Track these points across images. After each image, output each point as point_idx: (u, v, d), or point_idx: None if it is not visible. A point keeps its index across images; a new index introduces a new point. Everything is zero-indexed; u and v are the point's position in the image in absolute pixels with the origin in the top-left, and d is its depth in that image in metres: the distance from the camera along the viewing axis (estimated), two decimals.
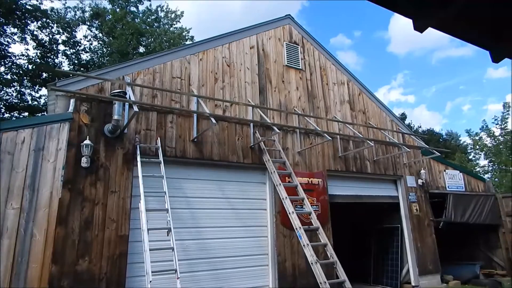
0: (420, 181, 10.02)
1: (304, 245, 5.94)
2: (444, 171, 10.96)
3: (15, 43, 17.98)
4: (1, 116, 17.95)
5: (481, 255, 10.97)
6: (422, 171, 10.11)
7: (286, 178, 7.24)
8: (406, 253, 9.28)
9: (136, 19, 22.85)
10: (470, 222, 10.26)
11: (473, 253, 11.05)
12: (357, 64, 70.04)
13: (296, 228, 6.18)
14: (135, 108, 5.33)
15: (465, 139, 33.27)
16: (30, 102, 19.06)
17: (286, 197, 6.49)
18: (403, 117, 33.92)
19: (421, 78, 71.64)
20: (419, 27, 1.87)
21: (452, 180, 10.90)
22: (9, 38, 17.62)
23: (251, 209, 7.20)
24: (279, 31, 9.09)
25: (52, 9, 19.19)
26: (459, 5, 1.65)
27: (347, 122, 9.19)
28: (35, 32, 18.54)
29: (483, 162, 28.15)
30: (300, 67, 9.06)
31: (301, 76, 9.03)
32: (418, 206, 9.75)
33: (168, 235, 5.08)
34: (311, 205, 6.95)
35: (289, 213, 6.37)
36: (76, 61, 20.65)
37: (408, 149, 9.61)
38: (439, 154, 10.01)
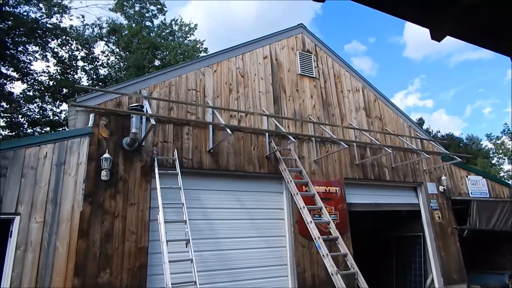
0: (441, 188, 9.75)
1: (323, 255, 5.85)
2: (466, 177, 10.64)
3: (36, 61, 18.69)
4: (24, 131, 18.58)
5: (508, 264, 10.52)
6: (443, 178, 9.83)
7: (303, 187, 7.17)
8: (429, 262, 8.99)
9: (151, 34, 23.39)
10: (496, 230, 9.88)
11: (499, 262, 10.60)
12: (372, 70, 69.62)
13: (315, 238, 6.09)
14: (152, 121, 5.43)
15: (487, 143, 32.33)
16: (51, 117, 19.65)
17: (303, 207, 6.42)
18: (420, 122, 33.27)
19: (438, 82, 70.49)
20: (436, 37, 1.84)
21: (475, 186, 10.56)
22: (31, 56, 18.33)
23: (268, 219, 7.15)
24: (292, 40, 9.13)
25: (71, 26, 19.87)
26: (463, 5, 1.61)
27: (363, 129, 9.08)
28: (55, 50, 19.20)
29: (507, 166, 27.24)
30: (314, 75, 9.04)
31: (315, 84, 9.01)
32: (440, 214, 9.46)
33: (186, 247, 5.08)
34: (329, 214, 6.85)
35: (307, 222, 6.29)
36: (94, 76, 21.24)
37: (428, 155, 9.39)
38: (460, 159, 9.74)
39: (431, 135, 29.18)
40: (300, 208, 6.52)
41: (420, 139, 10.22)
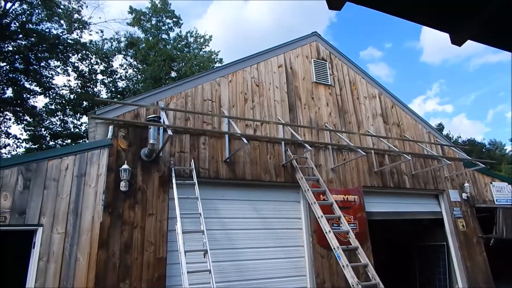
0: (464, 195, 9.42)
1: (343, 266, 5.71)
2: (491, 183, 10.26)
3: (58, 75, 19.37)
4: (46, 144, 19.15)
5: None
6: (466, 184, 9.51)
7: (321, 196, 7.07)
8: (455, 273, 8.65)
9: (167, 46, 23.92)
10: None
11: None
12: (389, 76, 68.85)
13: (334, 248, 5.96)
14: (169, 132, 5.49)
15: (511, 148, 31.19)
16: (72, 130, 20.23)
17: (321, 216, 6.31)
18: (440, 127, 32.49)
19: (458, 87, 69.06)
20: (457, 41, 1.79)
21: (501, 193, 10.16)
22: (53, 70, 19.02)
23: (286, 228, 7.07)
24: (306, 48, 9.12)
25: (90, 41, 20.58)
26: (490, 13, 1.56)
27: (381, 136, 8.92)
28: (76, 64, 19.88)
29: None
30: (329, 83, 8.99)
31: (331, 91, 8.94)
32: (464, 222, 9.13)
33: (204, 257, 5.07)
34: (348, 223, 6.71)
35: (326, 232, 6.17)
36: (113, 89, 21.80)
37: (449, 162, 9.11)
38: (484, 165, 9.41)
39: (452, 140, 28.42)
40: (318, 217, 6.41)
41: (440, 145, 9.95)
